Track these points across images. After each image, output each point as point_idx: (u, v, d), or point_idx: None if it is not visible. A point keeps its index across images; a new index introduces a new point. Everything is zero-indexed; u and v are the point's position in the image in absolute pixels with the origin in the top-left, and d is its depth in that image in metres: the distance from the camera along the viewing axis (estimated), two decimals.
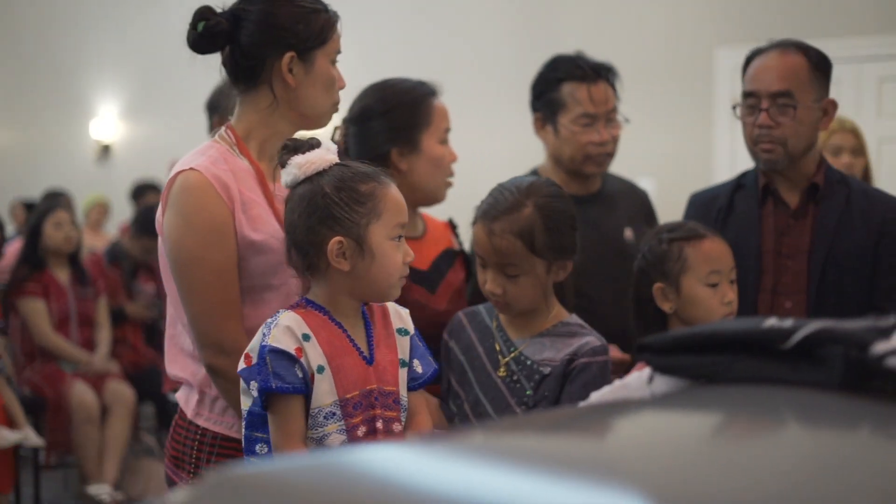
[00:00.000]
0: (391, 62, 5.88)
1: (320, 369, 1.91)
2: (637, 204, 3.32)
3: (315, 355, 1.91)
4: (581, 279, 3.03)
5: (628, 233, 3.16)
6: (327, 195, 1.95)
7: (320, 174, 1.98)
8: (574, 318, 2.42)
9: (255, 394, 1.90)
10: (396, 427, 1.99)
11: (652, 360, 1.25)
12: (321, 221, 1.95)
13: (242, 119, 2.26)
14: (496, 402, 2.36)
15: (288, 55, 2.20)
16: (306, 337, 1.91)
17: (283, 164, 2.01)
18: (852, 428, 1.06)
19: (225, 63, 2.25)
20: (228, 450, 2.14)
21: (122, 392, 5.43)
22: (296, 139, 2.06)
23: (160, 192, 7.76)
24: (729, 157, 7.01)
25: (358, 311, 2.03)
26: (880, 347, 1.09)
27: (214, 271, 2.11)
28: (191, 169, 2.13)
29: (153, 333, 5.91)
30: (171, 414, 2.46)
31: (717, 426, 1.11)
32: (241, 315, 2.13)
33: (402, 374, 2.04)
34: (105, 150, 10.29)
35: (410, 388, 2.06)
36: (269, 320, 1.95)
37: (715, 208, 2.88)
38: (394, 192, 2.00)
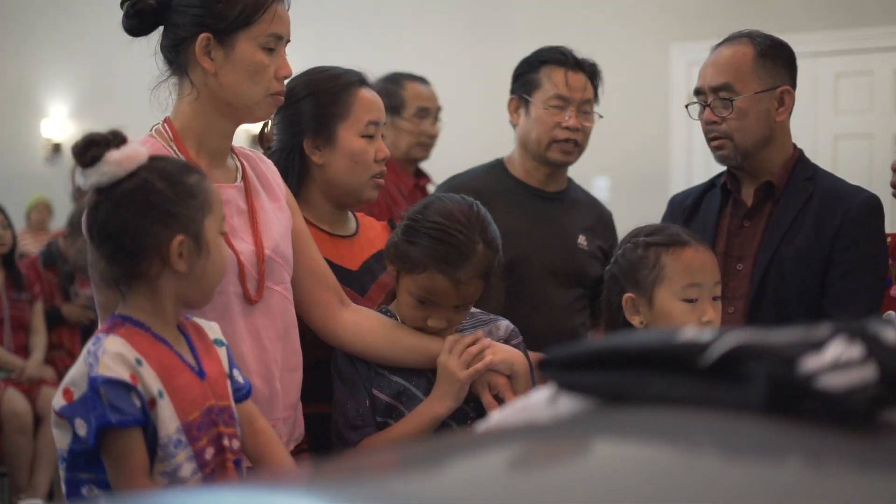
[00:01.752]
0: (341, 61, 5.72)
1: (160, 394, 1.71)
2: (597, 217, 3.27)
3: (150, 380, 1.71)
4: (532, 275, 2.94)
5: (582, 239, 3.11)
6: (160, 191, 1.74)
7: (141, 170, 1.75)
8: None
9: (81, 432, 1.69)
10: (236, 444, 1.83)
11: (556, 377, 1.09)
12: (158, 220, 1.74)
13: (177, 111, 2.10)
14: None
15: (202, 36, 2.01)
16: (139, 361, 1.71)
17: (86, 163, 1.75)
18: (779, 461, 0.91)
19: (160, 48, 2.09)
20: None
21: None
22: (102, 133, 1.78)
23: None
24: (685, 155, 6.91)
25: (174, 324, 1.83)
26: (810, 364, 0.94)
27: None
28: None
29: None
30: None
31: (618, 458, 0.95)
32: None
33: (229, 385, 1.87)
34: (56, 148, 10.15)
35: (237, 401, 1.88)
36: (91, 346, 1.72)
37: (682, 208, 2.76)
38: (210, 183, 1.83)
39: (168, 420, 1.71)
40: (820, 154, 5.43)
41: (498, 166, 3.21)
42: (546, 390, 1.13)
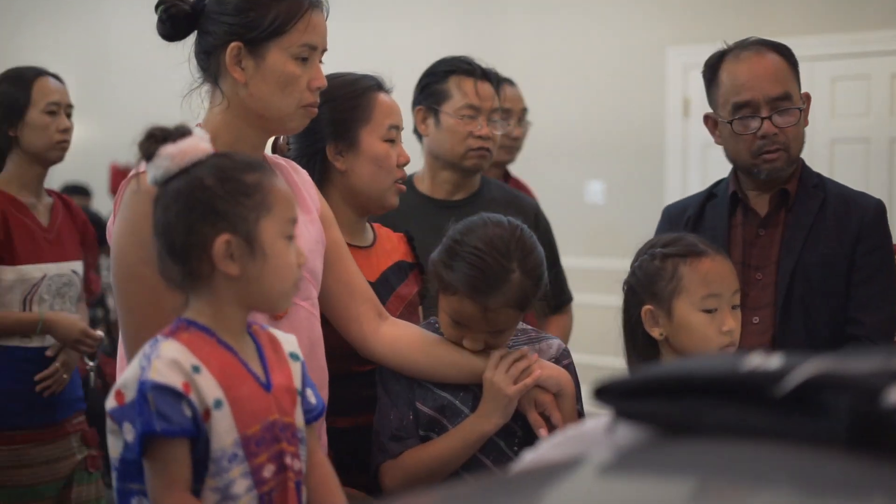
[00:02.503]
0: (332, 64, 5.67)
1: (217, 404, 1.62)
2: (514, 213, 3.18)
3: (209, 388, 1.62)
4: None
5: None
6: (208, 188, 1.66)
7: (196, 165, 1.68)
8: (521, 322, 2.29)
9: (128, 438, 1.60)
10: (297, 465, 1.73)
11: (614, 405, 1.04)
12: (203, 218, 1.66)
13: (208, 120, 2.03)
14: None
15: (233, 45, 1.95)
16: (196, 369, 1.62)
17: (148, 157, 1.71)
18: (865, 499, 0.86)
19: (197, 53, 2.04)
20: None
21: None
22: (162, 127, 1.74)
23: (89, 196, 7.38)
24: (680, 159, 6.88)
25: (245, 329, 1.75)
26: (895, 397, 0.89)
27: (152, 289, 1.82)
28: (146, 171, 1.80)
29: None
30: None
31: (694, 495, 0.90)
32: None
33: (299, 403, 1.78)
34: None
35: (306, 422, 1.79)
36: (147, 349, 1.64)
37: (684, 219, 2.71)
38: (281, 183, 1.74)
39: (225, 431, 1.63)
40: (816, 158, 5.40)
41: (407, 184, 3.17)
42: (602, 418, 1.07)
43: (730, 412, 0.97)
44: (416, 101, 3.19)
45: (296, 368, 1.80)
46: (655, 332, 2.21)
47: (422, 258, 2.52)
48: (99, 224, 5.59)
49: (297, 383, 1.79)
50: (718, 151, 2.76)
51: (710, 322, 2.17)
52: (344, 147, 2.40)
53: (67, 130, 3.41)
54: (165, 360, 1.61)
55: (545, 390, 2.17)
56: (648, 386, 1.02)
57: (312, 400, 1.81)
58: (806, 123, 2.65)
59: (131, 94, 9.52)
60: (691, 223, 2.71)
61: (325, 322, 2.22)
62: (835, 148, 6.31)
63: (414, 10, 7.79)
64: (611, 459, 1.00)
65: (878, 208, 2.64)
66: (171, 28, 2.00)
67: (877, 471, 0.89)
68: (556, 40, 7.37)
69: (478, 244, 2.12)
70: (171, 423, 1.58)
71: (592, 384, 1.05)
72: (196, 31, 2.04)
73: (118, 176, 8.32)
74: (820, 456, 0.91)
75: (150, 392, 1.58)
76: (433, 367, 2.19)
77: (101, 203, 8.12)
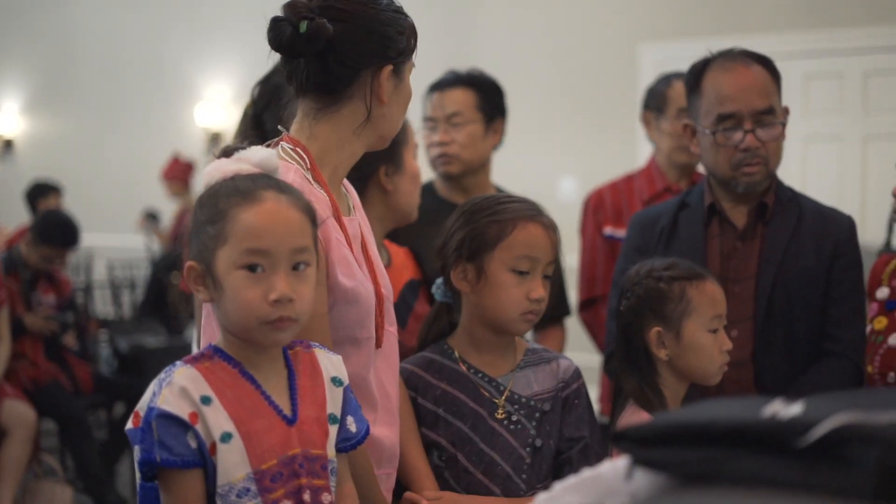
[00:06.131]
0: None
1: (226, 437, 1.58)
2: None
3: (218, 421, 1.59)
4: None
5: None
6: (194, 213, 1.65)
7: (213, 186, 1.68)
8: (530, 342, 2.30)
9: (136, 461, 1.59)
10: (326, 498, 1.67)
11: (632, 451, 1.03)
12: (189, 241, 1.66)
13: (319, 138, 1.94)
14: (501, 449, 2.16)
15: (388, 68, 1.92)
16: (206, 399, 1.59)
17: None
18: None
19: (304, 71, 1.91)
20: None
21: (21, 413, 5.00)
22: (233, 145, 1.74)
23: (59, 194, 7.28)
24: None
25: (274, 357, 1.70)
26: None
27: (311, 320, 1.76)
28: None
29: (53, 347, 5.55)
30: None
31: None
32: None
33: (332, 432, 1.71)
34: (7, 145, 10.01)
35: (340, 450, 1.73)
36: (162, 375, 1.62)
37: (657, 228, 2.68)
38: (257, 210, 1.62)
39: (234, 466, 1.59)
40: (789, 156, 5.36)
41: (428, 189, 3.28)
42: (618, 462, 1.06)
43: (751, 462, 0.95)
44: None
45: (335, 395, 1.74)
46: (662, 354, 2.24)
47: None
48: (71, 225, 5.54)
49: (335, 409, 1.73)
50: None
51: (715, 342, 2.23)
52: (392, 168, 2.49)
53: None
54: (175, 388, 1.59)
55: None
56: (668, 433, 1.01)
57: (352, 428, 1.76)
58: (783, 137, 2.64)
59: (99, 89, 9.44)
60: (665, 233, 2.69)
61: None
62: (808, 146, 6.33)
63: None
64: None
65: (852, 225, 2.66)
66: (308, 46, 1.87)
67: None
68: (529, 36, 7.36)
69: (497, 196, 2.27)
70: (171, 453, 1.56)
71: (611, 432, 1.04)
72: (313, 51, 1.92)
73: (176, 168, 8.20)
74: None
75: (155, 420, 1.57)
76: None
77: (75, 198, 8.04)
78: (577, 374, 2.26)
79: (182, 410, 1.57)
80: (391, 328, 2.05)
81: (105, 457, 5.53)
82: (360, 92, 1.93)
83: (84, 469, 5.28)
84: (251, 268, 1.61)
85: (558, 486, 1.11)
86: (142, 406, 1.62)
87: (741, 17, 6.62)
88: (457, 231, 2.20)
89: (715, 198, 2.66)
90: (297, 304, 1.64)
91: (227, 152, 1.73)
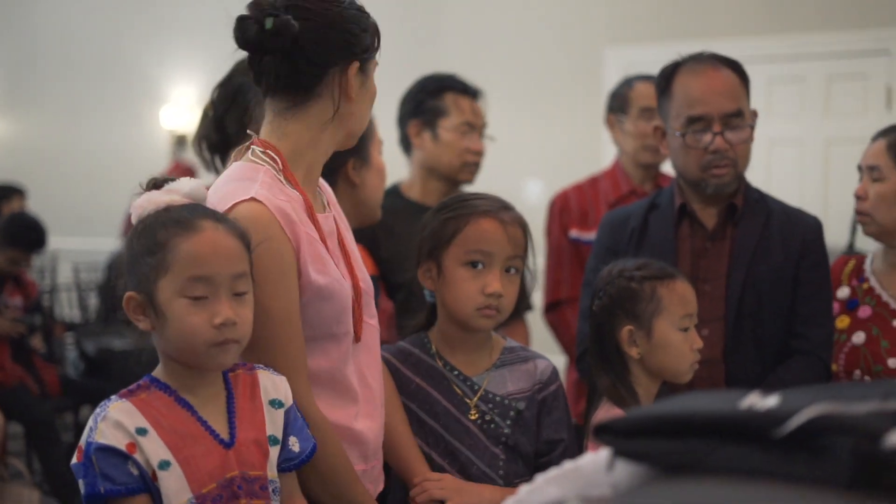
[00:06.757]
0: None
1: (164, 465, 1.62)
2: None
3: (154, 450, 1.63)
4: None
5: None
6: (129, 244, 1.69)
7: (143, 219, 1.71)
8: (509, 340, 2.31)
9: (82, 493, 1.62)
10: None
11: (613, 443, 1.05)
12: (122, 275, 1.70)
13: (291, 136, 1.96)
14: (473, 447, 2.19)
15: (355, 65, 1.95)
16: (141, 431, 1.63)
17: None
18: None
19: (273, 70, 1.92)
20: None
21: None
22: (159, 177, 1.77)
23: (23, 196, 7.21)
24: None
25: (212, 382, 1.74)
26: (894, 439, 0.91)
27: (281, 322, 1.82)
28: (252, 199, 1.81)
29: (20, 350, 5.53)
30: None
31: None
32: (307, 371, 1.87)
33: (273, 453, 1.74)
34: None
35: (284, 470, 1.76)
36: (98, 410, 1.66)
37: (628, 229, 2.72)
38: (198, 240, 1.67)
39: (175, 492, 1.63)
40: (752, 159, 5.44)
41: (393, 192, 3.33)
42: (599, 454, 1.09)
43: (730, 452, 0.98)
44: (410, 116, 3.38)
45: (274, 416, 1.78)
46: (633, 352, 2.28)
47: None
48: (37, 227, 5.51)
49: (275, 431, 1.77)
50: None
51: (685, 340, 2.27)
52: (360, 162, 2.54)
53: None
54: (110, 422, 1.63)
55: None
56: (648, 425, 1.04)
57: (295, 448, 1.79)
58: (752, 139, 2.68)
59: (63, 91, 9.39)
60: (636, 234, 2.72)
61: None
62: (771, 149, 6.40)
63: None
64: (611, 499, 1.02)
65: (818, 226, 2.71)
66: (274, 43, 1.89)
67: None
68: (494, 39, 7.40)
69: (462, 194, 2.31)
70: (114, 483, 1.60)
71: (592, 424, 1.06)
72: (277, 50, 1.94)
73: (177, 173, 8.06)
74: (821, 497, 0.93)
75: (94, 454, 1.61)
76: None
77: (39, 201, 7.99)
78: (554, 376, 2.28)
79: (119, 442, 1.62)
80: (371, 321, 2.08)
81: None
82: (329, 90, 1.96)
83: (51, 472, 5.26)
84: (194, 297, 1.67)
85: (540, 478, 1.13)
86: (83, 440, 1.66)
87: (705, 22, 6.69)
88: (424, 229, 2.23)
89: (685, 199, 2.70)
90: (240, 327, 1.70)
91: (157, 184, 1.76)
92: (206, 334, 1.66)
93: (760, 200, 2.71)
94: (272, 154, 1.94)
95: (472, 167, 3.39)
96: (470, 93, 3.38)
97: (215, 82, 2.78)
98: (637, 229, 2.73)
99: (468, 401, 2.21)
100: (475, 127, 3.37)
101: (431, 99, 3.35)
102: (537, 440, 2.22)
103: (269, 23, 1.87)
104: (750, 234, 2.65)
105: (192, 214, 1.70)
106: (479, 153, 3.39)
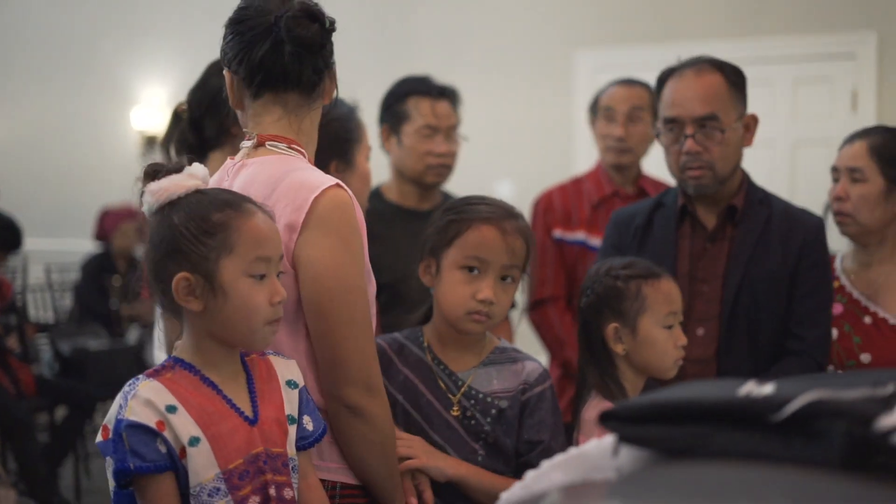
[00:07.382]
0: None
1: (194, 441, 1.67)
2: None
3: (185, 426, 1.67)
4: (413, 296, 2.94)
5: None
6: (175, 226, 1.71)
7: (174, 203, 1.73)
8: (503, 341, 2.33)
9: (109, 472, 1.67)
10: (288, 493, 1.77)
11: (618, 430, 1.11)
12: (168, 255, 1.72)
13: (305, 133, 2.06)
14: (454, 442, 2.22)
15: (335, 67, 2.09)
16: (171, 408, 1.67)
17: (141, 193, 1.77)
18: None
19: (307, 66, 2.01)
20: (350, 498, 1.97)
21: None
22: (158, 163, 1.80)
23: None
24: (588, 161, 6.98)
25: (234, 363, 1.80)
26: (885, 423, 0.98)
27: (369, 303, 1.94)
28: (338, 185, 1.90)
29: None
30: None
31: None
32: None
33: (292, 431, 1.81)
34: None
35: (299, 448, 1.83)
36: (127, 388, 1.70)
37: (633, 227, 2.77)
38: (256, 222, 1.74)
39: (204, 467, 1.67)
40: None
41: (374, 195, 3.36)
42: (603, 440, 1.15)
43: (729, 437, 1.05)
44: (382, 120, 3.39)
45: (290, 396, 1.84)
46: (619, 349, 2.34)
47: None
48: (13, 227, 5.52)
49: (292, 410, 1.83)
50: None
51: (669, 337, 2.32)
52: (343, 165, 2.55)
53: None
54: (140, 400, 1.67)
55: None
56: (652, 412, 1.10)
57: (309, 427, 1.85)
58: (747, 144, 2.72)
59: (33, 91, 9.35)
60: (640, 232, 2.78)
61: None
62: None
63: (326, 8, 7.78)
64: (617, 482, 1.08)
65: (819, 226, 2.73)
66: (326, 43, 2.04)
67: (870, 491, 0.97)
68: (465, 40, 7.45)
69: (471, 198, 2.29)
70: (144, 459, 1.64)
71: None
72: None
73: (110, 218, 7.74)
74: (816, 477, 0.99)
75: (125, 431, 1.65)
76: None
77: (10, 202, 7.96)
78: (542, 378, 2.30)
79: (149, 419, 1.66)
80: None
81: (48, 459, 5.51)
82: (323, 89, 2.06)
83: (27, 472, 5.26)
84: (259, 276, 1.74)
85: (546, 464, 1.19)
86: (109, 419, 1.70)
87: (674, 26, 6.77)
88: (430, 226, 2.28)
89: (686, 199, 2.76)
90: (284, 307, 1.80)
91: (157, 170, 1.78)
92: (266, 312, 1.74)
93: (763, 201, 2.75)
94: (298, 148, 2.01)
95: (437, 169, 3.36)
96: (433, 94, 3.35)
97: (186, 84, 2.80)
98: (641, 228, 2.80)
99: (451, 396, 2.25)
100: (438, 129, 3.34)
101: (397, 103, 3.37)
102: (518, 440, 2.26)
103: (329, 23, 2.01)
104: (749, 235, 2.69)
105: (235, 198, 1.78)
106: (445, 155, 3.36)
